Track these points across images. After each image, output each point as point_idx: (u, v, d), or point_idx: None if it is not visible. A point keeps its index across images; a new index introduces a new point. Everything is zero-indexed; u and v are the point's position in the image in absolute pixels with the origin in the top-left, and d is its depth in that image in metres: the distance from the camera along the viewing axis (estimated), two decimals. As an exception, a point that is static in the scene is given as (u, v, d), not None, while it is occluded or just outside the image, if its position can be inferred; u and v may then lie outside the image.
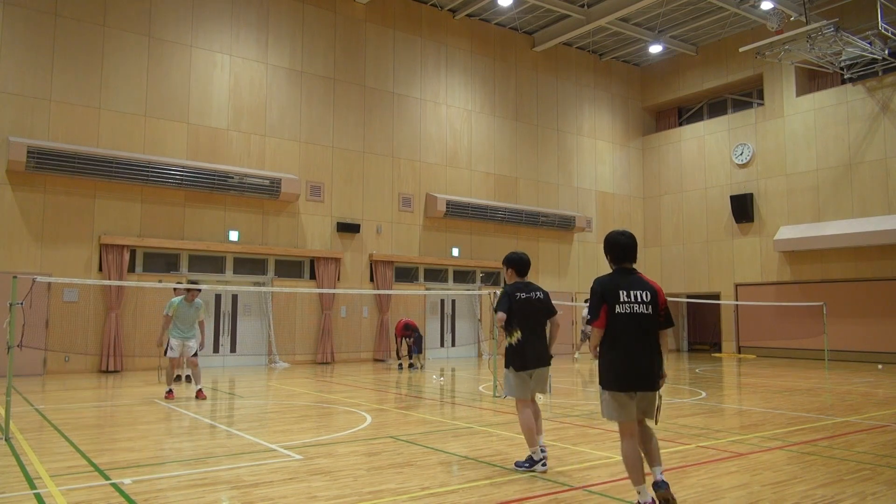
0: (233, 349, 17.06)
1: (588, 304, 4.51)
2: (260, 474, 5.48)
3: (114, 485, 5.10)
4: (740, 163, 22.69)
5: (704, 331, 25.34)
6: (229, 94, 17.12)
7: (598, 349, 4.52)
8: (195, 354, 10.51)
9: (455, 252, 20.56)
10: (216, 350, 16.69)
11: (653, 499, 4.24)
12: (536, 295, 5.89)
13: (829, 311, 17.61)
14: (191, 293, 10.48)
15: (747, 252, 22.30)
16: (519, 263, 5.98)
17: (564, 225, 22.63)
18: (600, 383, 4.50)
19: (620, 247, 4.66)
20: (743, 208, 22.19)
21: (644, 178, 25.65)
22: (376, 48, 19.60)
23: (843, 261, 20.05)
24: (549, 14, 21.40)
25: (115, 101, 15.55)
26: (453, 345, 20.30)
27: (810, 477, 5.47)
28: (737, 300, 21.93)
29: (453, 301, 20.87)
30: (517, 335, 5.73)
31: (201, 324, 10.72)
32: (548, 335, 5.95)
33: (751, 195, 22.20)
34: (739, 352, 22.20)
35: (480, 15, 21.52)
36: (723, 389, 12.65)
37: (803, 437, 7.29)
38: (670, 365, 17.99)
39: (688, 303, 23.33)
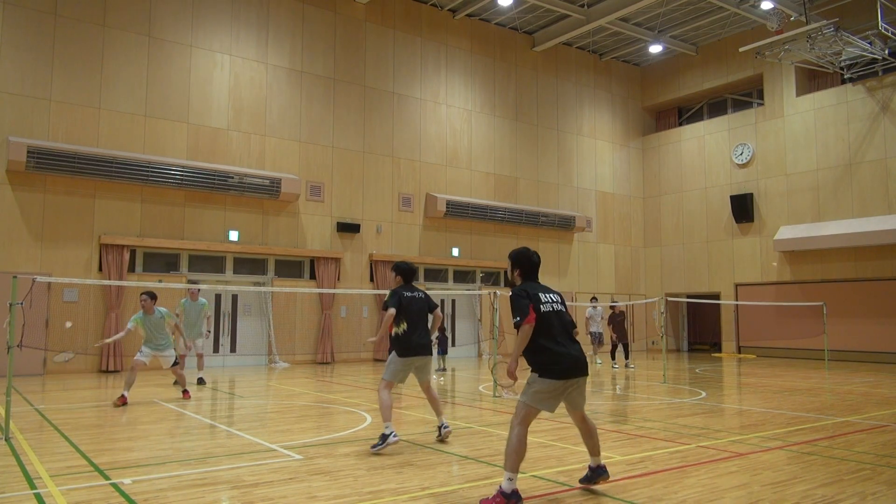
0: (233, 349, 17.06)
1: (514, 307, 4.83)
2: (260, 474, 5.48)
3: (114, 485, 5.10)
4: (740, 163, 22.69)
5: (704, 331, 25.34)
6: (229, 94, 17.12)
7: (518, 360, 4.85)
8: (175, 364, 10.13)
9: (455, 252, 20.56)
10: (216, 350, 16.69)
11: (515, 491, 4.54)
12: (418, 294, 6.89)
13: (829, 311, 17.61)
14: (147, 306, 9.75)
15: (747, 252, 22.30)
16: (406, 272, 6.96)
17: (564, 225, 22.63)
18: (537, 371, 4.77)
19: (532, 264, 5.10)
20: (743, 208, 22.19)
21: (644, 178, 25.65)
22: (376, 48, 19.60)
23: (843, 261, 20.05)
24: (549, 14, 21.40)
25: (115, 101, 15.55)
26: (453, 345, 20.30)
27: (810, 477, 5.47)
28: (737, 300, 21.94)
29: (453, 301, 20.87)
30: (403, 326, 6.66)
31: (177, 327, 10.44)
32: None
33: (751, 195, 22.21)
34: (739, 352, 22.20)
35: (480, 15, 21.52)
36: (723, 389, 12.65)
37: (803, 437, 7.29)
38: (670, 365, 18.00)
39: (688, 303, 23.33)
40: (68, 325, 11.55)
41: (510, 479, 4.52)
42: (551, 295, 4.96)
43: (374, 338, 6.94)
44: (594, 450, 5.03)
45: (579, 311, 22.25)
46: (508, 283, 5.22)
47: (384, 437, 6.28)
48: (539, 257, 5.17)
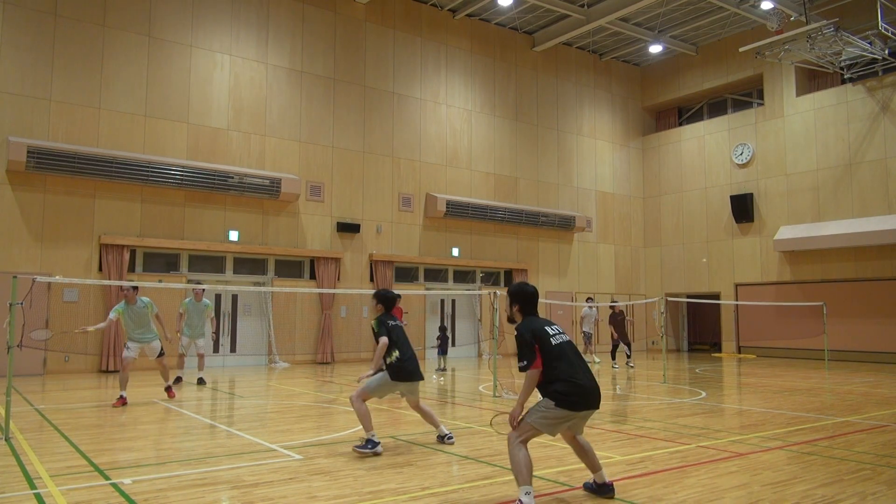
0: (233, 349, 17.05)
1: (519, 350, 4.72)
2: (260, 474, 5.48)
3: (114, 485, 5.10)
4: (740, 163, 22.69)
5: (704, 331, 25.34)
6: (229, 94, 17.12)
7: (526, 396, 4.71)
8: (160, 355, 9.98)
9: (455, 252, 20.56)
10: (216, 350, 16.67)
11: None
12: (398, 322, 6.91)
13: (829, 311, 17.61)
14: (129, 296, 9.69)
15: (747, 252, 22.31)
16: (390, 301, 6.92)
17: (564, 225, 22.63)
18: (553, 400, 4.63)
19: (530, 297, 4.98)
20: (743, 208, 22.19)
21: (644, 178, 25.65)
22: (376, 48, 19.60)
23: (843, 261, 20.05)
24: (549, 14, 21.40)
25: (115, 101, 15.55)
26: (453, 345, 20.31)
27: (810, 477, 5.47)
28: (737, 300, 21.94)
29: (453, 301, 20.87)
30: (396, 354, 6.59)
31: (157, 317, 10.07)
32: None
33: (751, 195, 22.21)
34: (739, 352, 22.20)
35: (480, 15, 21.52)
36: (723, 389, 12.65)
37: (803, 437, 7.29)
38: (670, 365, 18.00)
39: (688, 303, 23.33)
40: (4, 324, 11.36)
41: (527, 493, 4.42)
42: (555, 326, 4.88)
43: (368, 372, 6.79)
44: (594, 466, 4.91)
45: (578, 312, 22.24)
46: (509, 320, 5.08)
47: (372, 444, 6.28)
48: (536, 290, 5.06)
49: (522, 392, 4.67)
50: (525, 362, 4.64)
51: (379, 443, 6.32)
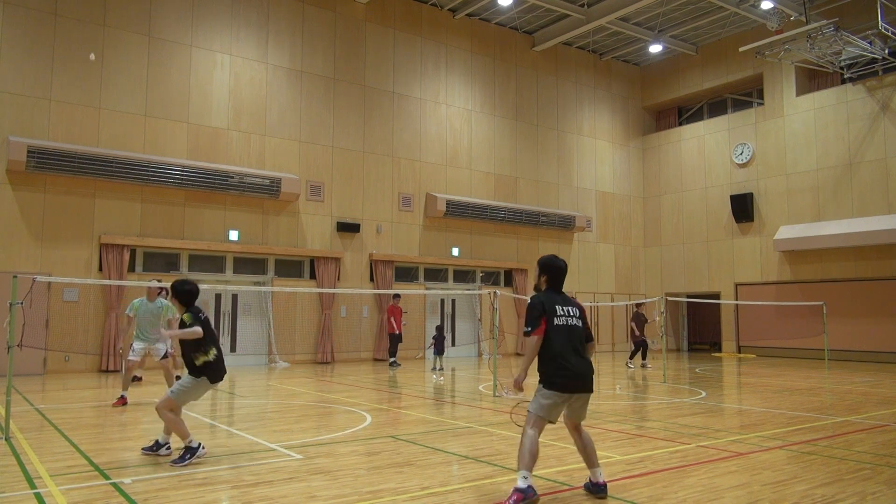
0: (233, 349, 17.04)
1: (527, 316, 4.95)
2: (260, 474, 5.48)
3: (114, 484, 5.11)
4: (740, 162, 22.69)
5: (704, 330, 25.35)
6: (229, 94, 17.12)
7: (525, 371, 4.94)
8: (164, 357, 9.70)
9: (455, 252, 20.55)
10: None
11: (531, 486, 4.57)
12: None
13: (828, 310, 17.61)
14: (151, 292, 9.64)
15: (747, 252, 22.31)
16: (193, 294, 6.35)
17: (564, 225, 22.63)
18: (542, 383, 4.85)
19: (559, 270, 5.12)
20: (743, 208, 22.19)
21: (644, 178, 25.65)
22: (376, 48, 19.60)
23: (842, 261, 20.05)
24: (549, 14, 21.40)
25: (115, 101, 15.55)
26: (453, 344, 20.31)
27: (810, 476, 5.47)
28: (737, 300, 21.94)
29: (453, 301, 20.86)
30: (213, 352, 6.13)
31: (170, 323, 9.72)
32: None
33: (751, 195, 22.20)
34: (739, 351, 22.19)
35: (480, 15, 21.52)
36: (723, 389, 12.65)
37: (803, 437, 7.29)
38: (670, 365, 18.01)
39: (688, 302, 23.32)
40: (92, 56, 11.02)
41: (525, 478, 4.53)
42: (569, 308, 4.95)
43: (167, 332, 6.42)
44: (590, 462, 4.93)
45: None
46: (535, 288, 5.24)
47: (191, 451, 5.88)
48: (565, 263, 5.18)
49: (525, 358, 4.93)
50: (529, 328, 4.83)
51: (199, 446, 5.94)
